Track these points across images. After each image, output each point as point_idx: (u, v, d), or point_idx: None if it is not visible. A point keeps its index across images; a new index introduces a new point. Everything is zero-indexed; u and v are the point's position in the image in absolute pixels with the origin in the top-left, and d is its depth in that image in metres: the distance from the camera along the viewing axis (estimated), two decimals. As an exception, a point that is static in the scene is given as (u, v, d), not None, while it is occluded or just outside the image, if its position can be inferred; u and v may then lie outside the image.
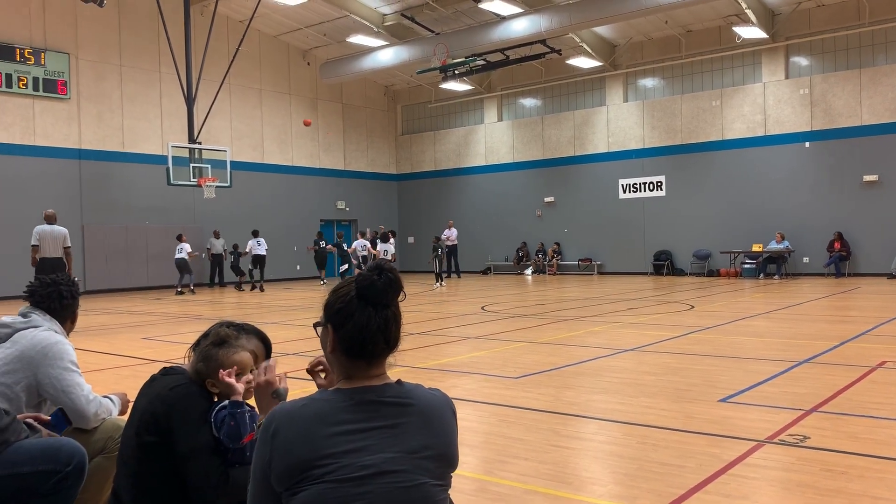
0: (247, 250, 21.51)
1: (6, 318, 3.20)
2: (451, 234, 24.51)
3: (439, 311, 13.67)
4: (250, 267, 21.40)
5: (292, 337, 10.31)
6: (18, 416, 2.68)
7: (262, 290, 20.56)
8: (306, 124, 22.59)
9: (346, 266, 21.13)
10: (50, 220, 11.91)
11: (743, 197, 22.85)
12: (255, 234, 21.69)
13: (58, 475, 2.51)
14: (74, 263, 14.05)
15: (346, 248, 22.59)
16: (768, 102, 22.49)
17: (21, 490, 2.47)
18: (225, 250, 23.04)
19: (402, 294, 1.82)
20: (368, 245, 21.45)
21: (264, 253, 21.13)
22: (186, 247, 20.38)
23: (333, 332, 1.78)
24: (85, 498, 2.83)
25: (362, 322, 1.74)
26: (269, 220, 24.97)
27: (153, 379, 2.48)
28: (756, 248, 21.99)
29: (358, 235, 23.28)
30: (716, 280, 21.42)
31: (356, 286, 1.78)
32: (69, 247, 11.82)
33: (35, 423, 2.77)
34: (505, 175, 28.12)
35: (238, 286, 21.94)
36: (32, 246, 11.79)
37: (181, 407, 2.34)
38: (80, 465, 2.57)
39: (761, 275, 21.66)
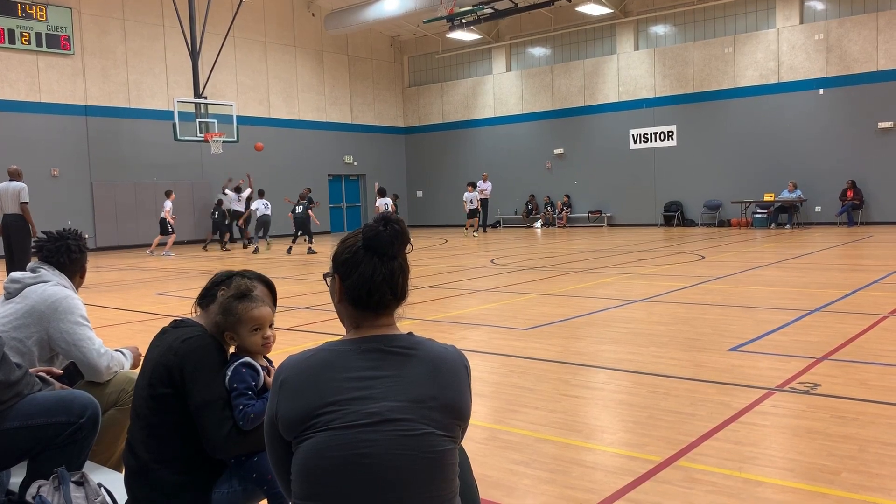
0: (252, 209, 20.97)
1: (16, 274, 3.20)
2: (485, 188, 23.98)
3: (449, 265, 13.69)
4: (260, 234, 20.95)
5: (303, 291, 10.36)
6: (31, 370, 2.69)
7: (268, 248, 20.22)
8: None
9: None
10: (11, 176, 11.52)
11: (755, 146, 22.57)
12: (262, 194, 21.15)
13: (72, 427, 2.53)
14: (93, 225, 13.72)
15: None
16: (782, 48, 22.03)
17: (36, 441, 2.50)
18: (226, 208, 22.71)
19: (408, 246, 1.80)
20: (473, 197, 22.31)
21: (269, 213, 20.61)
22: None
23: (340, 282, 1.78)
24: (99, 450, 2.86)
25: (367, 272, 1.74)
26: (277, 176, 24.88)
27: (164, 331, 2.48)
28: (768, 197, 21.80)
29: (469, 188, 23.09)
30: (727, 230, 21.31)
31: (362, 237, 1.77)
32: (25, 202, 11.32)
33: (48, 377, 2.80)
34: (514, 127, 27.83)
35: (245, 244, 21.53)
36: None
37: (194, 359, 2.34)
38: (93, 416, 2.60)
39: (773, 224, 21.52)
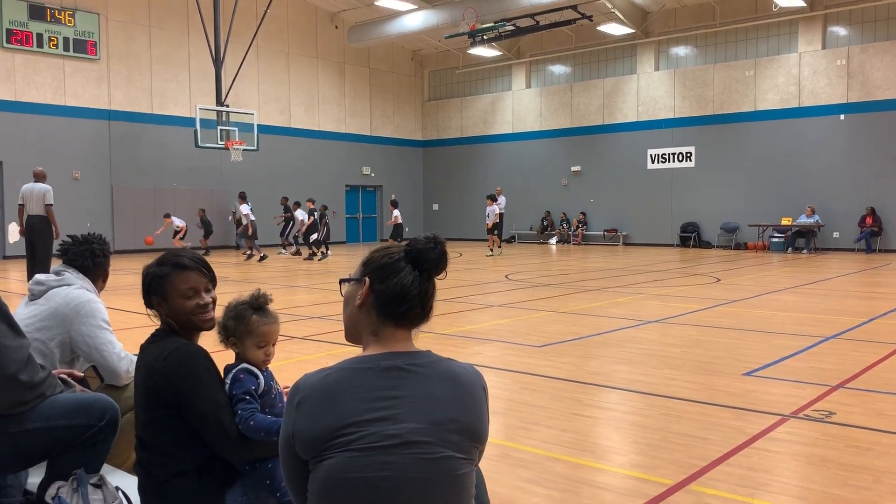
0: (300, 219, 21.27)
1: (40, 276, 3.26)
2: (500, 202, 21.09)
3: (463, 279, 13.69)
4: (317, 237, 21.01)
5: (317, 301, 10.40)
6: (53, 372, 2.74)
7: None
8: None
9: (315, 235, 19.93)
10: (36, 177, 11.71)
11: (773, 170, 22.47)
12: (297, 206, 21.58)
13: (91, 429, 2.57)
14: (111, 225, 13.91)
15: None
16: (803, 73, 21.97)
17: (55, 442, 2.53)
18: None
19: (444, 273, 1.81)
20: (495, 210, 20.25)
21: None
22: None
23: (370, 286, 1.76)
24: (117, 453, 2.89)
25: (406, 282, 1.74)
26: (295, 185, 25.02)
27: (142, 348, 2.46)
28: (785, 221, 21.67)
29: (489, 201, 20.70)
30: (743, 253, 21.19)
31: (409, 248, 1.77)
32: (50, 204, 11.54)
33: (69, 379, 2.83)
34: (531, 143, 27.87)
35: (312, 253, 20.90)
36: (19, 205, 11.64)
37: (180, 375, 2.32)
38: (113, 419, 2.63)
39: (789, 249, 21.38)
